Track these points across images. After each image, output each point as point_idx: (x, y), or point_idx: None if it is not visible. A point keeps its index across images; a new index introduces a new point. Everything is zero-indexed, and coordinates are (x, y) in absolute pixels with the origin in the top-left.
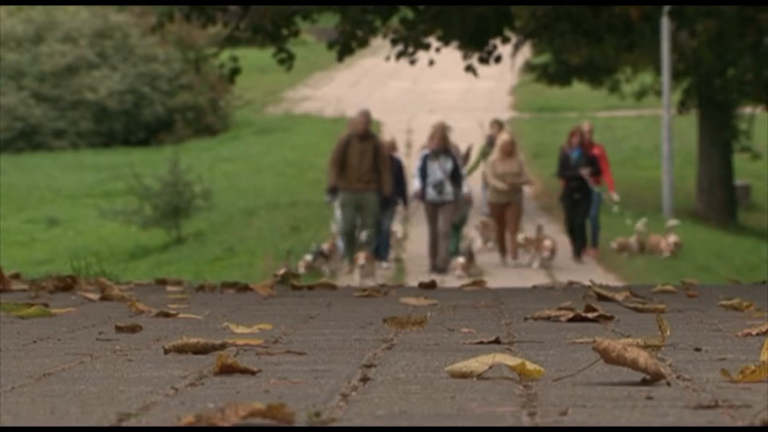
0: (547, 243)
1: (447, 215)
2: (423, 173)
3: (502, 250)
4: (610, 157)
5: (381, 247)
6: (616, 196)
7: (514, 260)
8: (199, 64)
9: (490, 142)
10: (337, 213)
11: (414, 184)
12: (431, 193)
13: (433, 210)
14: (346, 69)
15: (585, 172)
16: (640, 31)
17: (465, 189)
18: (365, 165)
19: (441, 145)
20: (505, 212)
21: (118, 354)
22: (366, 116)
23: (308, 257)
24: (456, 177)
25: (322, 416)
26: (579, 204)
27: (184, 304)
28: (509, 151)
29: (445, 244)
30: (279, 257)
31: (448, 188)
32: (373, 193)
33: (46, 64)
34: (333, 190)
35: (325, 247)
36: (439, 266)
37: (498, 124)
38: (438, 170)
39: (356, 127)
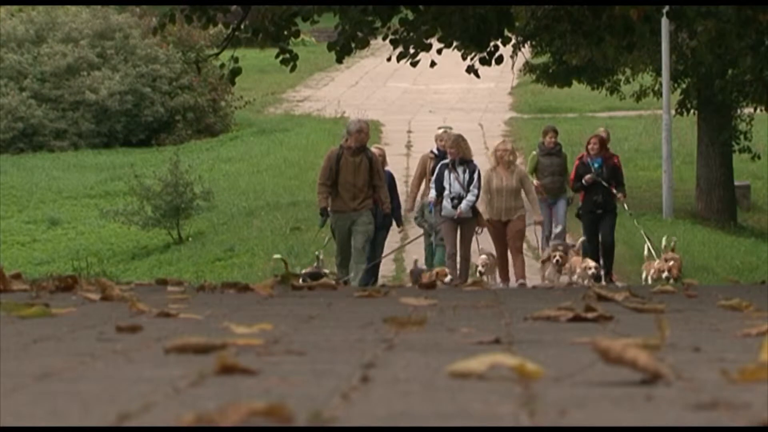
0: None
1: (467, 235)
2: (439, 185)
3: (504, 273)
4: None
5: (369, 271)
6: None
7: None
8: (199, 64)
9: (545, 152)
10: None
11: (430, 194)
12: (448, 207)
13: (450, 226)
14: (346, 70)
15: (589, 178)
16: (640, 32)
17: (463, 206)
18: (360, 181)
19: (458, 155)
20: (505, 230)
21: (118, 354)
22: (368, 126)
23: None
24: (470, 190)
25: (322, 416)
26: (602, 220)
27: (184, 304)
28: (506, 160)
29: (466, 267)
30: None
31: None
32: (367, 213)
33: (47, 65)
34: (325, 211)
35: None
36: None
37: (554, 131)
38: (455, 182)
39: (361, 140)
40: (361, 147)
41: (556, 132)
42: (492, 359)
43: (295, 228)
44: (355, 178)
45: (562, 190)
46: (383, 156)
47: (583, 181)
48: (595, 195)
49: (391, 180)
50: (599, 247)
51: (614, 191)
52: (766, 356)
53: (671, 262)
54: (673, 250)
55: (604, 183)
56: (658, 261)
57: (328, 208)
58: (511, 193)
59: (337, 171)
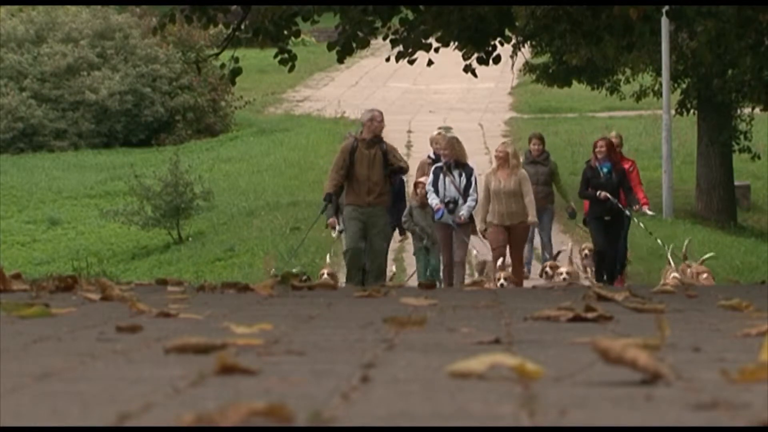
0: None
1: (461, 240)
2: (436, 188)
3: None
4: None
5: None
6: (650, 212)
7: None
8: (199, 64)
9: (530, 160)
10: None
11: (432, 201)
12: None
13: (446, 233)
14: (347, 70)
15: (603, 196)
16: (639, 32)
17: (464, 211)
18: (375, 175)
19: (452, 157)
20: (507, 236)
21: (118, 354)
22: (381, 114)
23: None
24: (466, 195)
25: (322, 416)
26: (611, 227)
27: (184, 304)
28: (507, 162)
29: (460, 274)
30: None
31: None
32: (382, 209)
33: (47, 65)
34: (329, 197)
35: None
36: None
37: (538, 138)
38: (451, 186)
39: (375, 129)
40: (375, 138)
41: (541, 140)
42: (492, 359)
43: (295, 228)
44: (370, 172)
45: (549, 200)
46: None
47: (598, 195)
48: (605, 201)
49: (401, 186)
50: (613, 254)
51: (622, 206)
52: (766, 356)
53: (704, 275)
54: (686, 258)
55: (616, 201)
56: (675, 272)
57: (341, 201)
58: (510, 196)
59: (352, 164)
